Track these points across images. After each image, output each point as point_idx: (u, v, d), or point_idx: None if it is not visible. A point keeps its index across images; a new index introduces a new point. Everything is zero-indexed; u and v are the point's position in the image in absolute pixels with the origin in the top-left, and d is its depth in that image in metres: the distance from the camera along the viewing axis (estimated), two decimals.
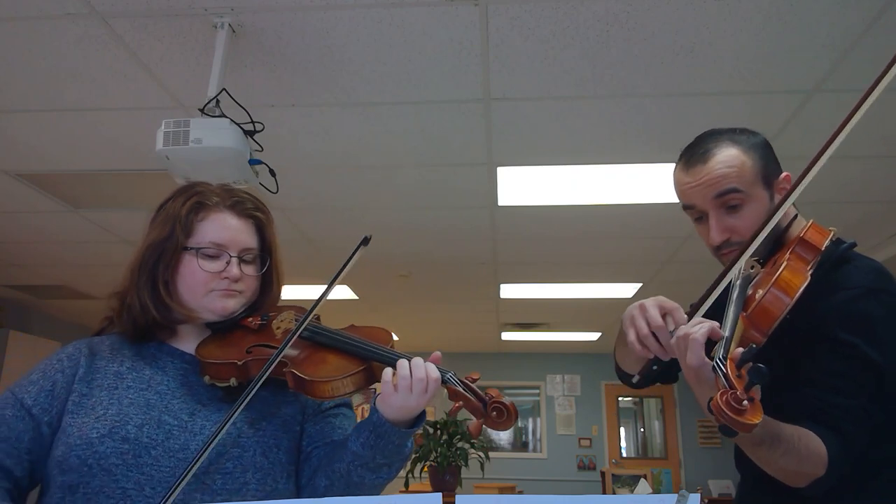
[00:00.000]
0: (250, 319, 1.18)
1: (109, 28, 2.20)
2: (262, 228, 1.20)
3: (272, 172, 2.15)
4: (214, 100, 2.07)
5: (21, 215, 4.02)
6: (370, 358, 1.10)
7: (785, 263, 1.05)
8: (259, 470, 1.06)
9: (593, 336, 7.94)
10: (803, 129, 2.77)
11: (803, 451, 1.00)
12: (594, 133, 2.90)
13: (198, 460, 0.93)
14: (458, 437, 5.04)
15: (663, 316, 1.13)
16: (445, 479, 4.89)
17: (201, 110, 2.06)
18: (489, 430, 1.11)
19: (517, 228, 4.17)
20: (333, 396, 1.08)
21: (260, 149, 2.15)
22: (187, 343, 1.17)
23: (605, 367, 9.12)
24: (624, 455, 9.00)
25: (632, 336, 1.14)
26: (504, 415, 1.03)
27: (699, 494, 0.77)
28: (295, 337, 1.07)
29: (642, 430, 9.27)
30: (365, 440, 1.06)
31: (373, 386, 1.13)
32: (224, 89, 2.10)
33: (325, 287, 1.12)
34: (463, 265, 4.99)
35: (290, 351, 1.09)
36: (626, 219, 3.94)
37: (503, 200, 3.67)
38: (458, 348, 8.83)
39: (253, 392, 0.99)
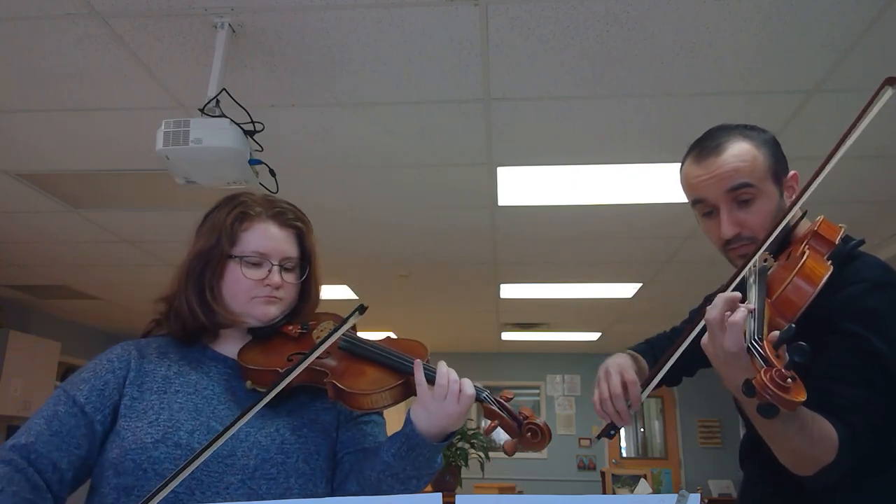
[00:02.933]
0: (291, 327, 1.22)
1: (109, 28, 2.20)
2: (303, 238, 1.25)
3: (272, 172, 2.15)
4: (214, 100, 2.07)
5: (21, 215, 4.02)
6: (408, 372, 1.13)
7: (808, 253, 1.06)
8: (301, 475, 1.11)
9: (593, 336, 7.94)
10: (803, 129, 2.77)
11: (816, 432, 1.00)
12: (594, 133, 2.90)
13: (202, 452, 0.92)
14: (458, 436, 5.04)
15: (623, 384, 1.22)
16: (445, 479, 4.89)
17: (201, 110, 2.06)
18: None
19: (517, 228, 4.17)
20: (372, 408, 1.12)
21: (260, 149, 2.15)
22: (230, 348, 1.21)
23: None
24: (624, 455, 9.00)
25: (595, 397, 1.26)
26: (538, 435, 1.07)
27: (699, 494, 0.77)
28: (325, 346, 1.08)
29: (642, 430, 9.27)
30: (397, 451, 1.10)
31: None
32: (224, 89, 2.10)
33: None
34: (463, 265, 4.99)
35: (329, 361, 1.13)
36: (626, 219, 3.94)
37: (503, 200, 3.67)
38: (458, 348, 8.82)
39: (271, 396, 1.01)
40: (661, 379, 1.29)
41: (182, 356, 1.18)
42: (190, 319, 1.17)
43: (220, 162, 2.04)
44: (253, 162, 2.09)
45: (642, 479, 6.32)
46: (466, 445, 5.10)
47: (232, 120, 2.03)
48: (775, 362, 0.86)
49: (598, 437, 1.29)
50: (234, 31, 2.18)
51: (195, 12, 2.12)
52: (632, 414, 1.23)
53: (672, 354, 1.14)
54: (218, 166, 2.05)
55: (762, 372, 0.84)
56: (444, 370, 1.10)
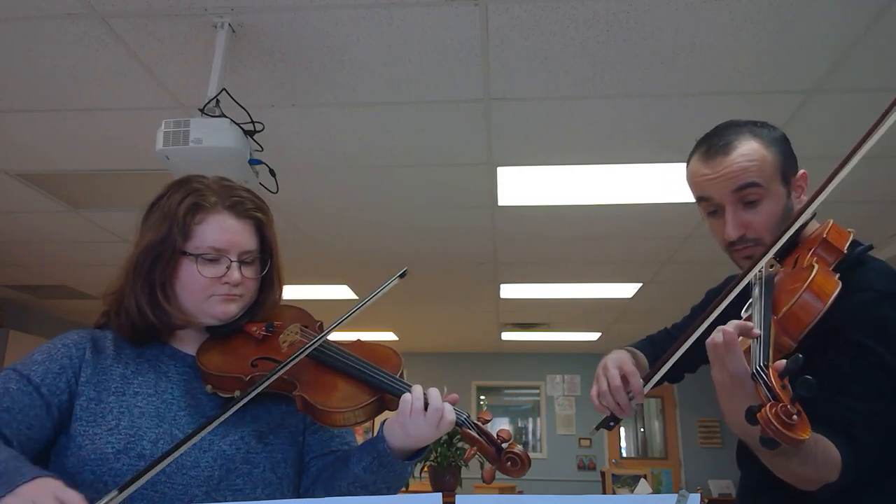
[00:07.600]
0: (254, 328, 1.16)
1: (109, 28, 2.20)
2: (262, 229, 1.16)
3: (272, 172, 2.15)
4: (214, 100, 2.07)
5: (21, 215, 4.02)
6: (382, 388, 1.08)
7: (816, 268, 1.03)
8: (268, 486, 1.06)
9: (593, 336, 7.94)
10: (803, 129, 2.77)
11: (820, 458, 0.97)
12: (594, 133, 2.90)
13: (161, 460, 0.88)
14: (458, 437, 5.04)
15: (623, 377, 1.19)
16: (445, 479, 4.88)
17: (201, 110, 2.06)
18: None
19: (517, 228, 4.17)
20: (344, 425, 1.07)
21: (260, 149, 2.15)
22: (188, 344, 1.15)
23: None
24: (624, 455, 9.00)
25: (593, 392, 1.25)
26: (518, 464, 1.03)
27: (699, 494, 0.76)
28: (300, 358, 1.04)
29: (642, 430, 9.27)
30: (367, 465, 1.07)
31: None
32: (224, 89, 2.10)
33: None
34: (463, 265, 4.99)
35: (296, 369, 1.06)
36: (626, 219, 3.94)
37: (503, 200, 3.67)
38: (458, 348, 8.82)
39: (235, 409, 0.96)
40: (664, 376, 1.28)
41: (139, 354, 1.10)
42: (139, 319, 1.07)
43: (220, 162, 2.03)
44: (253, 162, 2.09)
45: (642, 479, 6.32)
46: (466, 446, 5.10)
47: (232, 120, 2.03)
48: (781, 395, 0.83)
49: (596, 427, 1.28)
50: (234, 31, 2.18)
51: (195, 12, 2.12)
52: (633, 407, 1.20)
53: (676, 350, 1.11)
54: (218, 166, 2.05)
55: (768, 407, 0.82)
56: (436, 395, 1.05)
